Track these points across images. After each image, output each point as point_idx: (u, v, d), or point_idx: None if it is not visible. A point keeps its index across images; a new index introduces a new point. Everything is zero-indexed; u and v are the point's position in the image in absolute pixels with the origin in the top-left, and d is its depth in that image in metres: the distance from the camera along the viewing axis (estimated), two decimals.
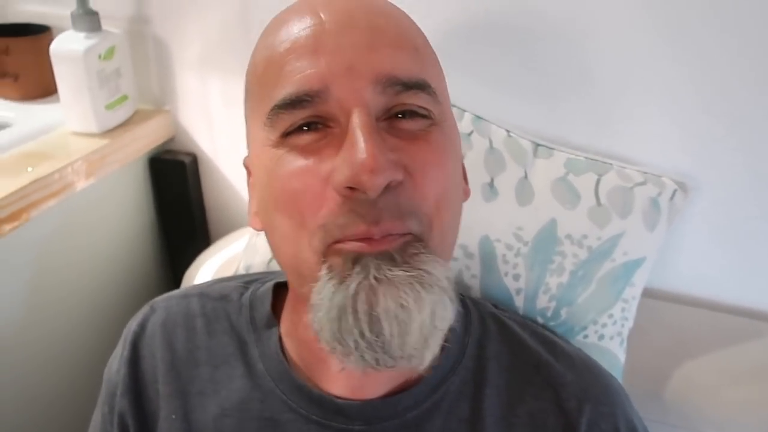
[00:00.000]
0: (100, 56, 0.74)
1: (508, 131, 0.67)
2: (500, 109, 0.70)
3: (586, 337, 0.63)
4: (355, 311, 0.35)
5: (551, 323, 0.62)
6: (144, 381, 0.49)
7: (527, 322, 0.55)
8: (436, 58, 0.45)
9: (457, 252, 0.63)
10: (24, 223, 0.65)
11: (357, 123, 0.37)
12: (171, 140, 0.87)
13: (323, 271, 0.38)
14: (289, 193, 0.39)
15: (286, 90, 0.38)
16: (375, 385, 0.46)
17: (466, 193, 0.49)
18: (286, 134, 0.39)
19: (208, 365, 0.49)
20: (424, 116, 0.40)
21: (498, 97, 0.72)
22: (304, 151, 0.39)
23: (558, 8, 0.67)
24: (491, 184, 0.64)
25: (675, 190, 0.66)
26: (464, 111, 0.68)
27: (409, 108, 0.40)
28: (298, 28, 0.40)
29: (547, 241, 0.62)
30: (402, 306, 0.35)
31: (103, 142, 0.75)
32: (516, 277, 0.62)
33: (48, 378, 0.76)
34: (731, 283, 0.74)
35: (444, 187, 0.40)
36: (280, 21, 0.42)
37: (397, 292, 0.35)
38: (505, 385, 0.48)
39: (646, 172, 0.67)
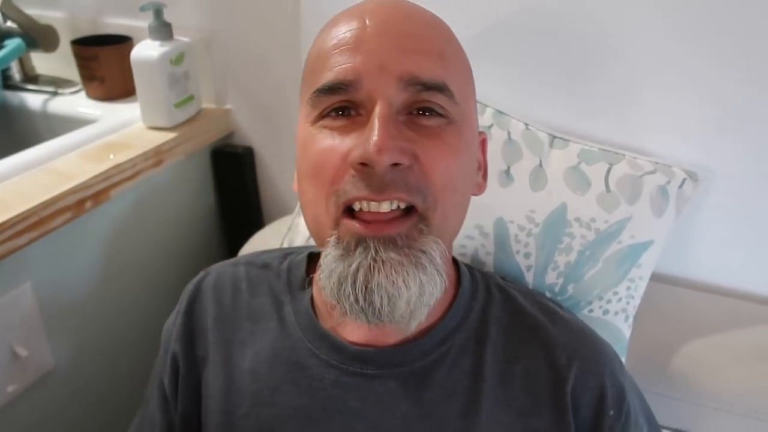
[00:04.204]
0: (171, 61, 0.85)
1: (526, 124, 0.73)
2: (524, 105, 0.76)
3: (591, 311, 0.67)
4: (354, 282, 0.43)
5: (558, 297, 0.68)
6: (196, 330, 0.58)
7: (531, 292, 0.60)
8: (465, 65, 0.52)
9: (473, 232, 0.70)
10: (104, 203, 0.76)
11: (377, 112, 0.44)
12: (231, 135, 0.98)
13: (332, 239, 0.45)
14: (316, 166, 0.46)
15: (327, 77, 0.46)
16: (387, 337, 0.51)
17: (480, 188, 0.55)
18: (322, 116, 0.47)
19: (249, 320, 0.57)
20: (441, 115, 0.46)
21: (522, 94, 0.77)
22: (333, 131, 0.46)
23: (577, 7, 0.72)
24: (507, 172, 0.70)
25: (684, 179, 0.70)
26: (486, 106, 0.74)
27: (428, 105, 0.46)
28: (345, 29, 0.47)
29: (557, 223, 0.68)
30: (393, 283, 0.43)
31: (172, 135, 0.87)
32: (527, 255, 0.68)
33: (119, 336, 0.87)
34: (750, 271, 0.77)
35: (451, 176, 0.46)
36: (333, 22, 0.50)
37: (391, 272, 0.43)
38: (504, 344, 0.53)
39: (657, 162, 0.71)
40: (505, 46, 0.76)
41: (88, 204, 0.74)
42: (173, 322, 0.59)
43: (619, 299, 0.67)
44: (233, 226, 1.00)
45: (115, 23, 0.99)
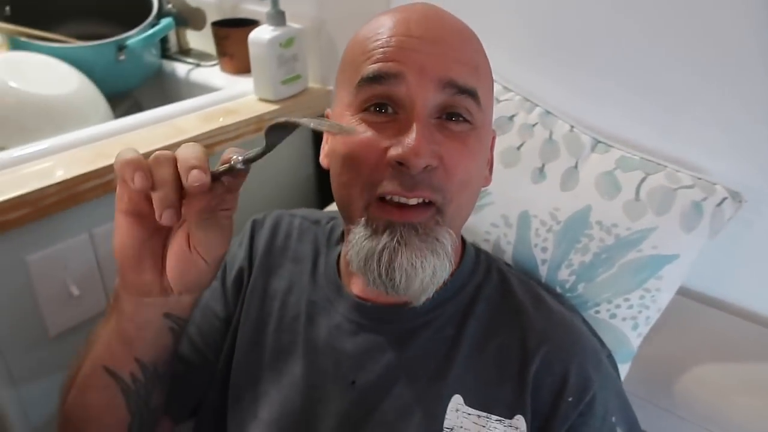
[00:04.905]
0: (281, 44, 0.99)
1: (572, 126, 0.76)
2: (577, 107, 0.78)
3: (597, 312, 0.69)
4: (379, 260, 0.51)
5: (567, 294, 0.70)
6: (253, 252, 0.69)
7: (529, 281, 0.64)
8: (491, 76, 0.57)
9: (498, 221, 0.75)
10: (210, 157, 0.92)
11: (416, 117, 0.50)
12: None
13: (362, 220, 0.52)
14: (354, 157, 0.51)
15: (372, 68, 0.51)
16: (386, 297, 0.58)
17: (487, 181, 0.60)
18: (363, 109, 0.52)
19: (291, 261, 0.68)
20: (467, 120, 0.52)
21: (577, 97, 0.80)
22: (372, 126, 0.51)
23: (638, 18, 0.73)
24: (541, 169, 0.74)
25: (725, 198, 0.68)
26: (536, 105, 0.78)
27: (458, 110, 0.51)
28: (390, 32, 0.52)
29: (578, 223, 0.70)
30: (413, 265, 0.50)
31: (276, 107, 1.01)
32: (544, 250, 0.72)
33: None
34: None
35: (467, 176, 0.53)
36: (376, 23, 0.55)
37: (411, 254, 0.50)
38: (486, 321, 0.59)
39: (699, 178, 0.70)
40: (567, 49, 0.79)
41: None
42: (239, 243, 0.70)
43: (630, 306, 0.68)
44: (328, 190, 1.13)
45: (248, 8, 1.16)
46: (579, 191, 0.71)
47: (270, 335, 0.63)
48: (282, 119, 0.44)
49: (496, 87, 0.80)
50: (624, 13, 0.73)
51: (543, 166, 0.74)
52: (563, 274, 0.71)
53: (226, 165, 0.46)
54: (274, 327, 0.64)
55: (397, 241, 0.50)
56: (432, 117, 0.51)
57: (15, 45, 0.98)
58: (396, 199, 0.51)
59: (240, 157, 0.45)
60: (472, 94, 0.51)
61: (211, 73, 1.16)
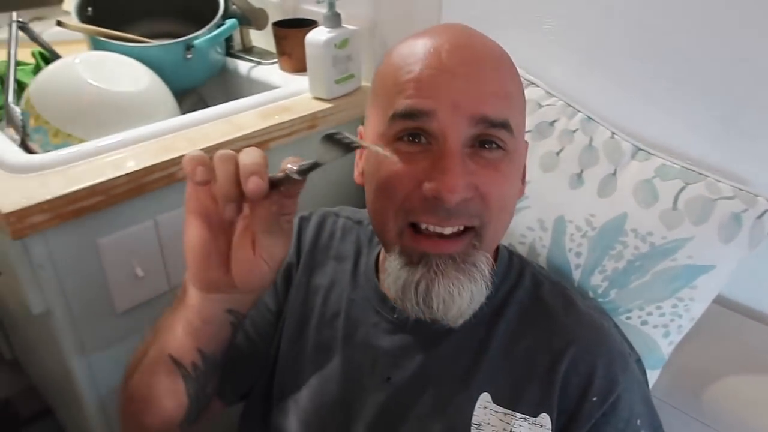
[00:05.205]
0: (335, 45, 1.04)
1: (613, 133, 0.77)
2: (621, 114, 0.79)
3: (628, 318, 0.70)
4: (416, 290, 0.54)
5: (599, 299, 0.72)
6: (300, 248, 0.73)
7: (563, 286, 0.65)
8: (523, 96, 0.58)
9: (534, 224, 0.77)
10: (264, 152, 0.98)
11: (449, 151, 0.51)
12: None
13: (397, 248, 0.55)
14: (388, 186, 0.54)
15: (405, 104, 0.52)
16: None
17: (521, 192, 0.62)
18: (397, 138, 0.53)
19: (334, 259, 0.72)
20: (500, 147, 0.53)
21: (622, 103, 0.80)
22: (406, 157, 0.52)
23: (678, 30, 0.73)
24: (579, 175, 0.75)
25: (766, 210, 0.68)
26: (578, 111, 0.79)
27: (491, 140, 0.53)
28: (424, 64, 0.52)
29: (613, 230, 0.71)
30: (450, 293, 0.53)
31: (329, 105, 1.06)
32: (578, 255, 0.73)
33: None
34: None
35: (503, 202, 0.55)
36: (412, 50, 0.55)
37: (448, 283, 0.53)
38: (516, 323, 0.62)
39: (741, 189, 0.69)
40: (614, 55, 0.80)
41: None
42: None
43: (662, 314, 0.69)
44: None
45: (308, 9, 1.21)
46: (616, 198, 0.72)
47: (312, 330, 0.68)
48: (339, 134, 0.47)
49: (539, 92, 0.82)
50: (673, 19, 0.73)
51: (581, 172, 0.75)
52: (596, 279, 0.72)
53: (282, 174, 0.49)
54: (315, 322, 0.68)
55: (434, 271, 0.53)
56: (465, 147, 0.52)
57: (95, 45, 1.07)
58: (431, 228, 0.53)
59: (294, 168, 0.48)
60: (504, 125, 0.52)
61: (271, 71, 1.22)
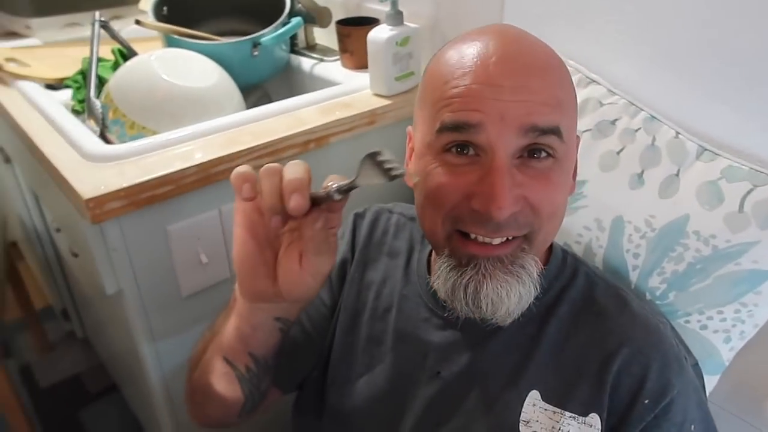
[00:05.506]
0: (396, 43, 1.05)
1: (677, 133, 0.75)
2: (687, 113, 0.77)
3: (687, 322, 0.69)
4: (465, 291, 0.55)
5: (657, 302, 0.70)
6: (355, 244, 0.76)
7: (617, 286, 0.64)
8: (574, 99, 0.57)
9: (592, 224, 0.76)
10: (324, 146, 1.01)
11: (497, 165, 0.51)
12: None
13: (446, 251, 0.56)
14: (437, 196, 0.55)
15: (452, 117, 0.52)
16: None
17: (572, 189, 0.61)
18: (444, 150, 0.54)
19: (386, 254, 0.74)
20: (549, 155, 0.53)
21: (688, 102, 0.77)
22: (453, 168, 0.54)
23: (746, 27, 0.70)
24: (640, 175, 0.74)
25: None
26: (641, 110, 0.77)
27: (541, 148, 0.52)
28: (472, 78, 0.52)
29: (674, 232, 0.70)
30: (498, 295, 0.54)
31: (388, 102, 1.08)
32: (636, 256, 0.72)
33: None
34: None
35: (553, 209, 0.55)
36: (459, 58, 0.54)
37: (496, 285, 0.54)
38: (567, 323, 0.61)
39: None
40: (680, 53, 0.77)
41: (312, 145, 0.99)
42: (341, 235, 0.77)
43: (723, 319, 0.67)
44: None
45: (371, 7, 1.23)
46: (678, 199, 0.71)
47: (364, 323, 0.70)
48: (381, 155, 0.49)
49: (601, 90, 0.81)
50: (745, 16, 0.70)
51: (642, 172, 0.74)
52: (654, 281, 0.71)
53: (324, 192, 0.51)
54: (368, 316, 0.70)
55: (482, 273, 0.54)
56: (514, 158, 0.52)
57: (169, 42, 1.13)
58: (480, 238, 0.54)
59: (335, 186, 0.51)
60: (554, 132, 0.52)
61: (333, 68, 1.25)
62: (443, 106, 0.53)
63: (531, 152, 0.52)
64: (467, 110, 0.51)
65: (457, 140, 0.53)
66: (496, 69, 0.52)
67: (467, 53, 0.54)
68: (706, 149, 0.73)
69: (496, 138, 0.51)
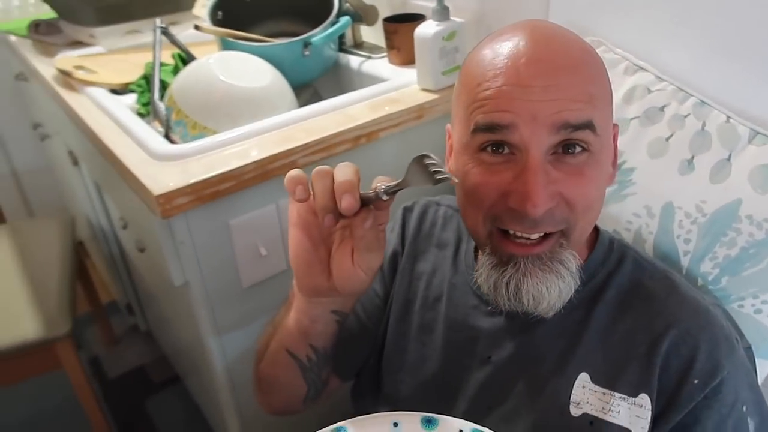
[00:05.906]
0: (443, 38, 1.07)
1: (728, 117, 0.74)
2: (740, 98, 0.76)
3: (741, 306, 0.69)
4: (506, 288, 0.57)
5: (709, 287, 0.70)
6: (405, 237, 0.78)
7: (666, 271, 0.64)
8: (608, 92, 0.57)
9: (641, 211, 0.76)
10: (374, 141, 1.04)
11: (531, 164, 0.52)
12: None
13: (487, 249, 0.59)
14: (475, 195, 0.57)
15: (485, 118, 0.54)
16: None
17: (611, 179, 0.62)
18: (480, 149, 0.56)
19: (436, 247, 0.76)
20: (584, 149, 0.54)
21: (742, 86, 0.77)
22: (489, 167, 0.55)
23: None
24: (690, 161, 0.74)
25: None
26: (690, 95, 0.77)
27: (575, 143, 0.53)
28: (503, 80, 0.53)
29: (726, 216, 0.70)
30: (539, 290, 0.56)
31: (435, 96, 1.10)
32: (687, 241, 0.72)
33: None
34: None
35: (589, 203, 0.56)
36: (491, 58, 0.55)
37: (537, 281, 0.56)
38: (614, 307, 0.62)
39: None
40: (729, 35, 0.76)
41: (362, 140, 1.02)
42: (391, 229, 0.80)
43: None
44: None
45: (417, 4, 1.26)
46: (729, 184, 0.70)
47: (416, 312, 0.73)
48: (429, 158, 0.51)
49: (649, 77, 0.81)
50: None
51: (692, 157, 0.74)
52: (706, 266, 0.71)
53: (372, 193, 0.54)
54: (419, 305, 0.73)
55: (522, 272, 0.56)
56: (548, 154, 0.53)
57: (224, 45, 1.18)
58: (519, 234, 0.56)
59: (383, 187, 0.54)
60: (588, 126, 0.53)
61: (380, 65, 1.28)
62: (477, 107, 0.55)
63: (565, 147, 0.54)
64: (499, 111, 0.53)
65: (492, 140, 0.54)
66: (526, 70, 0.53)
67: (499, 53, 0.55)
68: (758, 133, 0.72)
69: (529, 137, 0.52)
